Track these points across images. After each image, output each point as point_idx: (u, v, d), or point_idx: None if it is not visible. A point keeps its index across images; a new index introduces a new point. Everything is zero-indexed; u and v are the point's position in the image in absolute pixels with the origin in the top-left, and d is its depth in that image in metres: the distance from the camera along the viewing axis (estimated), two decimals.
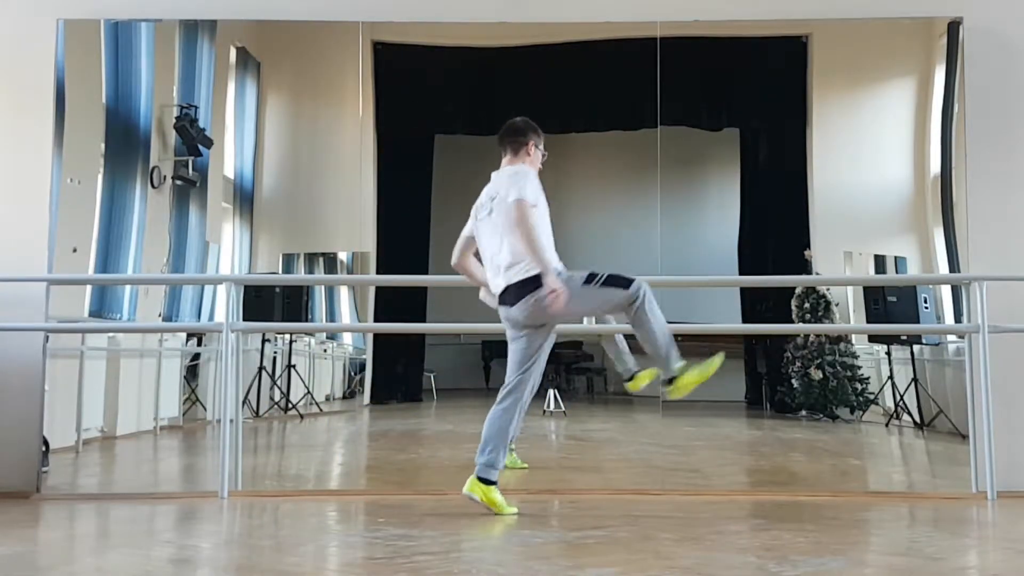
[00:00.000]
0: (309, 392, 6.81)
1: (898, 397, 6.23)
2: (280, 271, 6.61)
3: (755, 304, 6.52)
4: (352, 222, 6.58)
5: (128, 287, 6.19)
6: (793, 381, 6.48)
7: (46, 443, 5.16)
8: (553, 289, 3.99)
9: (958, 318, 5.46)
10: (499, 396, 4.25)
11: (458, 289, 5.15)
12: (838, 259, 6.44)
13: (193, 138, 6.21)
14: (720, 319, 6.50)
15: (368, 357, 6.80)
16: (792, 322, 6.39)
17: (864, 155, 6.47)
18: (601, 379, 7.30)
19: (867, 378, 6.39)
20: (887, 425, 6.36)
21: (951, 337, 6.00)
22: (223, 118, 6.60)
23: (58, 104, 5.34)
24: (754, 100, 6.79)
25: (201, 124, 6.25)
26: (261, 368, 6.49)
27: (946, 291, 5.96)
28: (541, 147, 4.39)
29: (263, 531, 4.20)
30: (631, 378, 4.69)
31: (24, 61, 5.39)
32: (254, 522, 4.33)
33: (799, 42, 6.40)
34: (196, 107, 6.27)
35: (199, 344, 6.59)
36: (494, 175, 4.36)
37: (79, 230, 5.66)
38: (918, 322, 6.07)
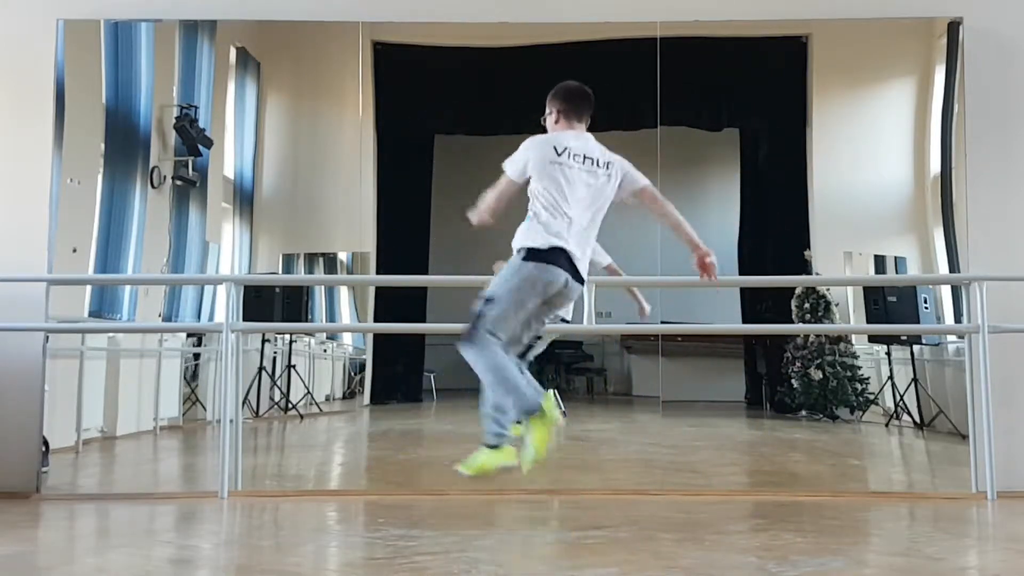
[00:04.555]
0: (309, 392, 6.81)
1: (898, 397, 6.23)
2: (280, 271, 6.60)
3: (755, 304, 6.52)
4: (352, 222, 6.58)
5: (128, 287, 6.19)
6: (793, 381, 6.47)
7: (46, 443, 5.16)
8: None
9: (958, 318, 5.46)
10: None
11: (458, 289, 5.14)
12: (838, 259, 6.43)
13: (193, 138, 6.21)
14: (720, 319, 6.50)
15: (368, 357, 6.79)
16: (792, 322, 6.38)
17: (864, 155, 6.47)
18: (601, 379, 7.30)
19: (867, 378, 6.39)
20: (887, 425, 6.35)
21: (951, 337, 6.00)
22: (223, 118, 6.60)
23: (58, 104, 5.34)
24: (754, 100, 6.78)
25: (201, 124, 6.25)
26: (261, 368, 6.49)
27: (946, 291, 5.96)
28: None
29: (263, 531, 4.20)
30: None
31: (24, 61, 5.39)
32: (254, 522, 4.33)
33: (799, 42, 6.39)
34: (196, 107, 6.27)
35: (199, 344, 6.59)
36: (582, 138, 4.26)
37: (79, 230, 5.66)
38: (918, 322, 6.07)
